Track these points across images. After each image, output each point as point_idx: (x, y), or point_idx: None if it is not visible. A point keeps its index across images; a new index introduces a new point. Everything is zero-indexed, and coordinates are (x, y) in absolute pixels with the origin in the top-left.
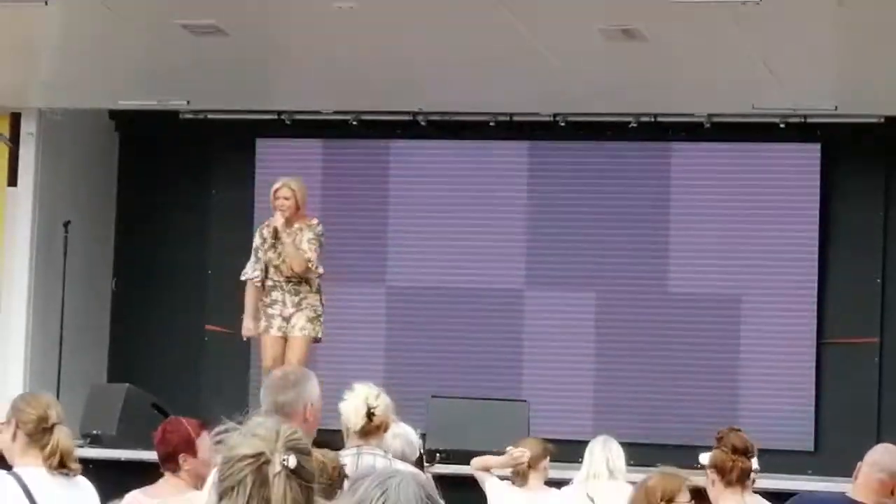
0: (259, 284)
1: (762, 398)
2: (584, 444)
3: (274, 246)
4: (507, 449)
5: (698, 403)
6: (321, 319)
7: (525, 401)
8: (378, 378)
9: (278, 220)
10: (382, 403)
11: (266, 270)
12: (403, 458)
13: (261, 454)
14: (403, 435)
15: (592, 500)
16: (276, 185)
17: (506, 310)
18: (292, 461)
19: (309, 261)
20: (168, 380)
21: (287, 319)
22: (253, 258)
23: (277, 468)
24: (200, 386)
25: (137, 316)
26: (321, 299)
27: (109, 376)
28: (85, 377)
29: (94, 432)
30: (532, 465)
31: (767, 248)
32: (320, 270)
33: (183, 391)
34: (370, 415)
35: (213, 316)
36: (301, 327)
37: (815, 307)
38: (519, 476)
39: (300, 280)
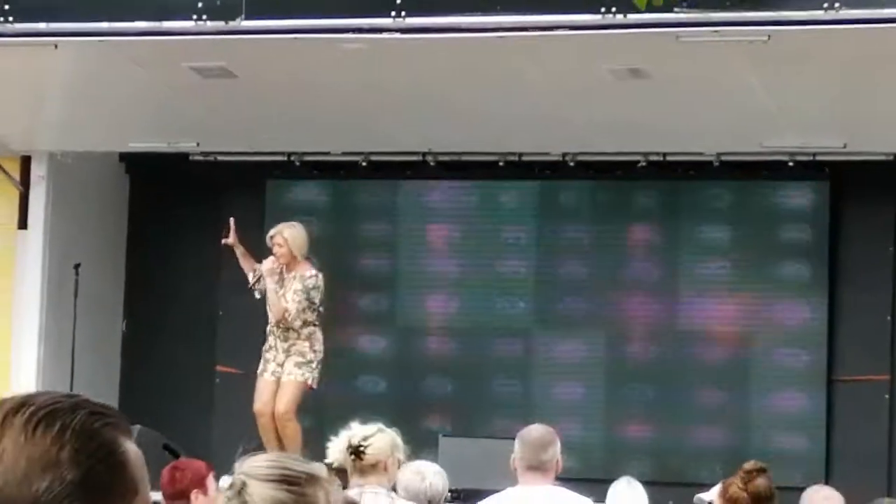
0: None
1: (772, 436)
2: (595, 482)
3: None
4: None
5: (708, 441)
6: (313, 366)
7: None
8: (388, 419)
9: (266, 264)
10: (379, 442)
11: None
12: (441, 496)
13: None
14: (439, 472)
15: None
16: (272, 232)
17: (515, 349)
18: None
19: (286, 311)
20: (179, 421)
21: (281, 365)
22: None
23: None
24: (212, 427)
25: (148, 357)
26: (312, 346)
27: None
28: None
29: None
30: None
31: (777, 285)
32: (307, 317)
33: (194, 432)
34: (358, 452)
35: (224, 356)
36: (289, 372)
37: (825, 344)
38: None
39: (288, 327)
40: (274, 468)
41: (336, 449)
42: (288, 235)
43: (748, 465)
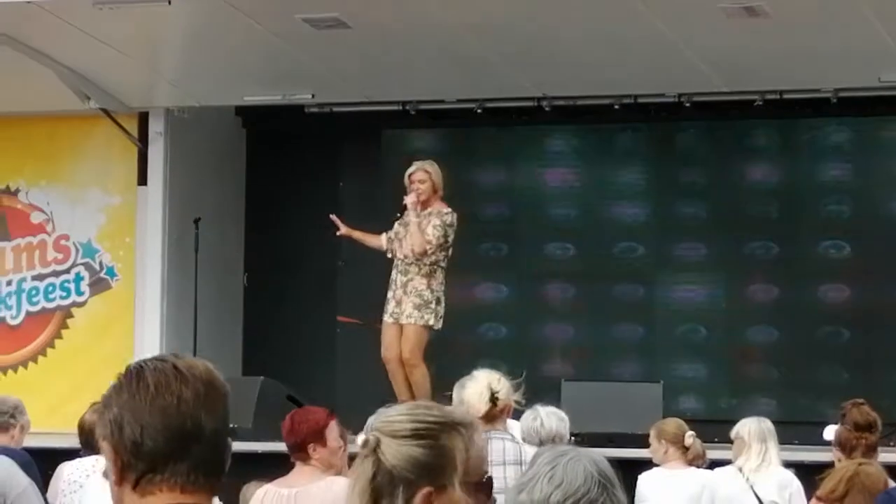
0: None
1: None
2: (719, 423)
3: (403, 223)
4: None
5: (834, 381)
6: (432, 307)
7: (659, 381)
8: (510, 365)
9: (410, 198)
10: (504, 387)
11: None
12: (559, 437)
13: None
14: (555, 413)
15: (748, 482)
16: (411, 170)
17: (635, 293)
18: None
19: (428, 243)
20: (302, 371)
21: (399, 304)
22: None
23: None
24: (334, 376)
25: (270, 309)
26: (431, 285)
27: (244, 370)
28: (220, 371)
29: (231, 426)
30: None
31: None
32: (437, 257)
33: (317, 382)
34: (494, 399)
35: (345, 307)
36: (408, 315)
37: None
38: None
39: (412, 261)
40: (406, 422)
41: (477, 397)
42: (430, 170)
43: (844, 406)
